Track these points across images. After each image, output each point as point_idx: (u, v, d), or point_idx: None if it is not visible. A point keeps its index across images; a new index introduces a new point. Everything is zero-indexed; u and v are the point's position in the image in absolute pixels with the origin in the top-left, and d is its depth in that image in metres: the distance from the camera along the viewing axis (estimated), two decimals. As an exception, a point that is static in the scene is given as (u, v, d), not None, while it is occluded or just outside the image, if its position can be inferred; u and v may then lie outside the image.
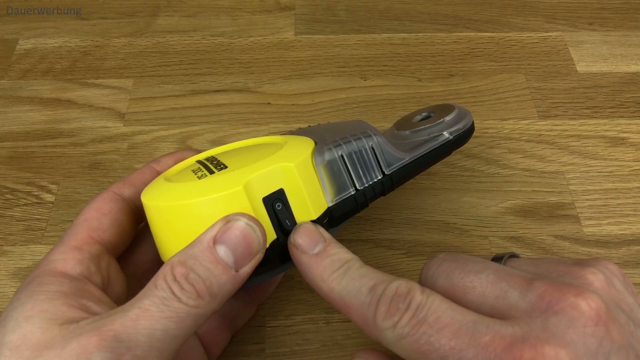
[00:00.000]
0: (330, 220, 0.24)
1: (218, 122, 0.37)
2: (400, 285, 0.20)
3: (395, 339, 0.20)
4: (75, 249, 0.23)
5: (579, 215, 0.33)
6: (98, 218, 0.25)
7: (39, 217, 0.33)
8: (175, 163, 0.27)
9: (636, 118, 0.37)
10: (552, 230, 0.32)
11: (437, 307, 0.20)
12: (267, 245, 0.22)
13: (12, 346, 0.20)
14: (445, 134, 0.28)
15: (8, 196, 0.34)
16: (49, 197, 0.34)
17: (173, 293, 0.20)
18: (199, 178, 0.23)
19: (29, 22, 0.43)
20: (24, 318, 0.20)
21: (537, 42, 0.42)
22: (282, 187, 0.22)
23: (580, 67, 0.40)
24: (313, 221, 0.23)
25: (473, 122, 0.30)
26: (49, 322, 0.20)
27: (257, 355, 0.28)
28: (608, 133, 0.37)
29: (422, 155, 0.27)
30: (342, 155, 0.24)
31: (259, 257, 0.22)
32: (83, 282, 0.22)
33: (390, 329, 0.20)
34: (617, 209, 0.33)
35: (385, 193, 0.26)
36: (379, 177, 0.25)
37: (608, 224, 0.33)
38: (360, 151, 0.25)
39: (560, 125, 0.37)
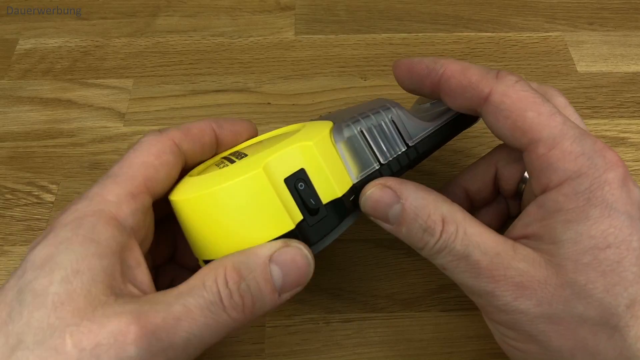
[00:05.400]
0: (357, 197, 0.24)
1: (218, 122, 0.37)
2: None
3: None
4: (131, 196, 0.21)
5: (579, 215, 0.33)
6: (156, 167, 0.22)
7: (39, 217, 0.33)
8: (237, 133, 0.26)
9: (636, 118, 0.37)
10: (552, 230, 0.32)
11: None
12: (294, 227, 0.21)
13: (57, 301, 0.18)
14: None
15: (8, 196, 0.34)
16: (49, 197, 0.34)
17: (221, 300, 0.19)
18: (221, 169, 0.23)
19: (29, 22, 0.43)
20: (73, 271, 0.19)
21: (537, 42, 0.42)
22: (303, 167, 0.22)
23: (580, 67, 0.40)
24: (338, 199, 0.23)
25: None
26: (94, 286, 0.19)
27: (256, 355, 0.28)
28: (608, 133, 0.37)
29: (445, 123, 0.27)
30: (361, 131, 0.24)
31: (300, 289, 0.21)
32: (130, 237, 0.21)
33: None
34: (617, 209, 0.33)
35: (412, 165, 0.26)
36: (403, 150, 0.25)
37: (608, 224, 0.33)
38: (380, 125, 0.25)
39: (560, 125, 0.37)
